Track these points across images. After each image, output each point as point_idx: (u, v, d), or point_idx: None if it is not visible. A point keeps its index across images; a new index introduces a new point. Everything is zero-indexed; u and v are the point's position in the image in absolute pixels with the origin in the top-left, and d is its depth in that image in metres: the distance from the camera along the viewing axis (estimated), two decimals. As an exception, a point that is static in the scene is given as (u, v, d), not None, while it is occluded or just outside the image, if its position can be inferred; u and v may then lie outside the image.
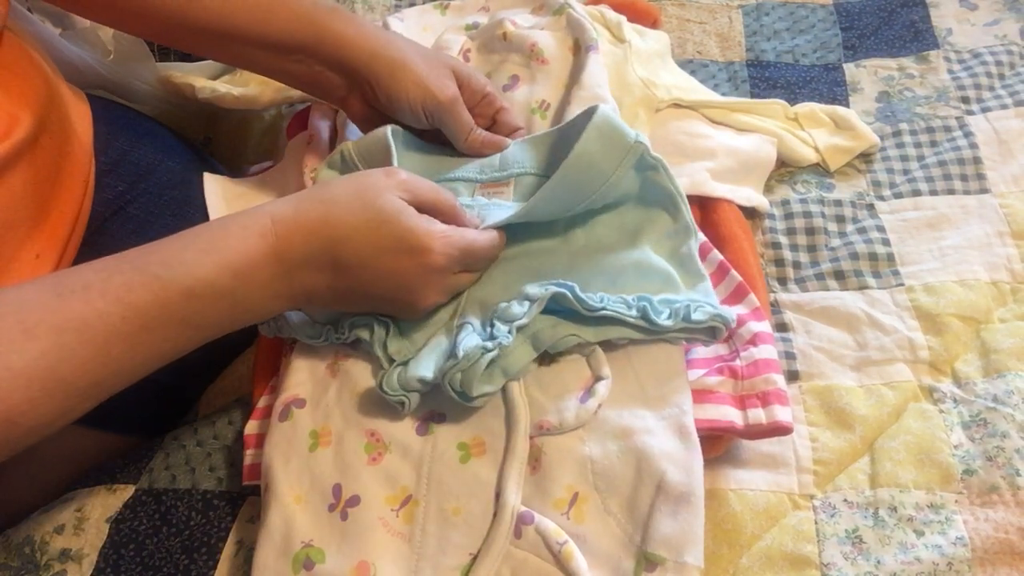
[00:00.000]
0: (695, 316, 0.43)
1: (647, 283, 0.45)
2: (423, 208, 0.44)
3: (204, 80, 0.67)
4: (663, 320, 0.43)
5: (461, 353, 0.41)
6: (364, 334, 0.46)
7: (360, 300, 0.45)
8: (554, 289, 0.42)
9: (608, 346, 0.45)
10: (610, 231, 0.48)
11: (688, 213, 0.48)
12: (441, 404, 0.45)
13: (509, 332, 0.42)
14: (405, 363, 0.44)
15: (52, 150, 0.50)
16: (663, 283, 0.45)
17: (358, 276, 0.43)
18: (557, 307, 0.44)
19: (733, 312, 0.45)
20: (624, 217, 0.48)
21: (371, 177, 0.44)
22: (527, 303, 0.43)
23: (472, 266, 0.46)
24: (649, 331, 0.43)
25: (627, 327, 0.43)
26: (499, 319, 0.43)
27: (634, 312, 0.43)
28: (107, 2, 0.50)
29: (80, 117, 0.56)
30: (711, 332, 0.44)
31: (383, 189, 0.43)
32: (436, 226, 0.43)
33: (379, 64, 0.51)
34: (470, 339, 0.42)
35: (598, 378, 0.44)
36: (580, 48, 0.59)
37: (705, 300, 0.44)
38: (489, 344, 0.41)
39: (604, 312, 0.42)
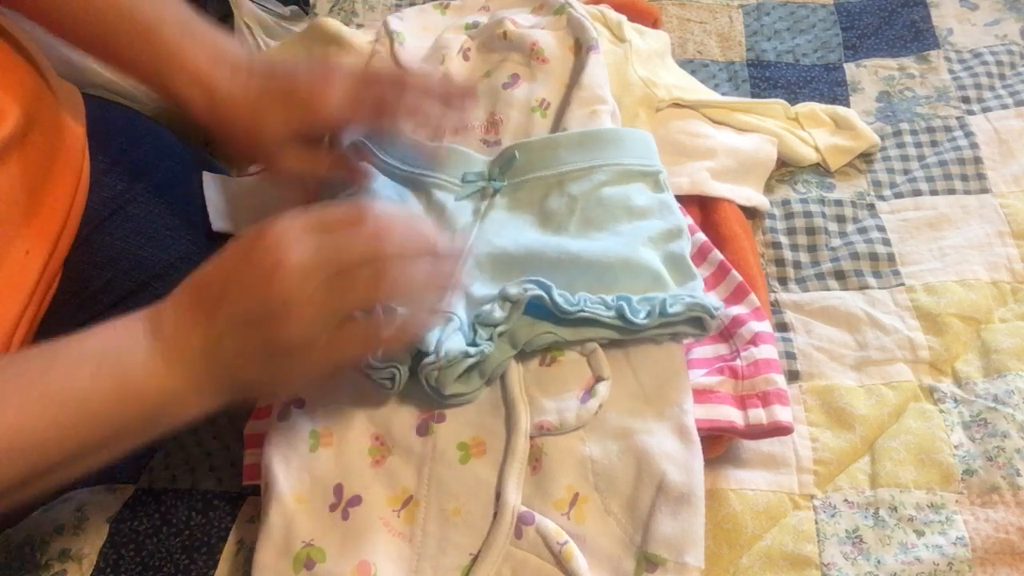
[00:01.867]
0: (671, 309, 0.43)
1: (635, 281, 0.45)
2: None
3: (204, 79, 0.67)
4: (640, 319, 0.42)
5: (443, 352, 0.41)
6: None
7: (232, 347, 0.37)
8: (532, 291, 0.42)
9: (608, 346, 0.45)
10: (600, 231, 0.48)
11: (680, 216, 0.48)
12: (442, 403, 0.45)
13: (490, 339, 0.42)
14: None
15: (43, 146, 0.50)
16: (652, 281, 0.45)
17: (219, 309, 0.36)
18: (537, 303, 0.43)
19: (718, 300, 0.45)
20: (616, 218, 0.48)
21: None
22: (508, 305, 0.42)
23: (347, 262, 0.36)
24: (627, 331, 0.43)
25: (605, 327, 0.43)
26: (481, 324, 0.42)
27: (612, 312, 0.43)
28: None
29: (74, 113, 0.55)
30: (699, 325, 0.44)
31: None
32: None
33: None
34: (454, 340, 0.42)
35: (598, 378, 0.44)
36: (581, 48, 0.59)
37: (686, 293, 0.44)
38: (471, 351, 0.41)
39: (580, 314, 0.42)
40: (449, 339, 0.42)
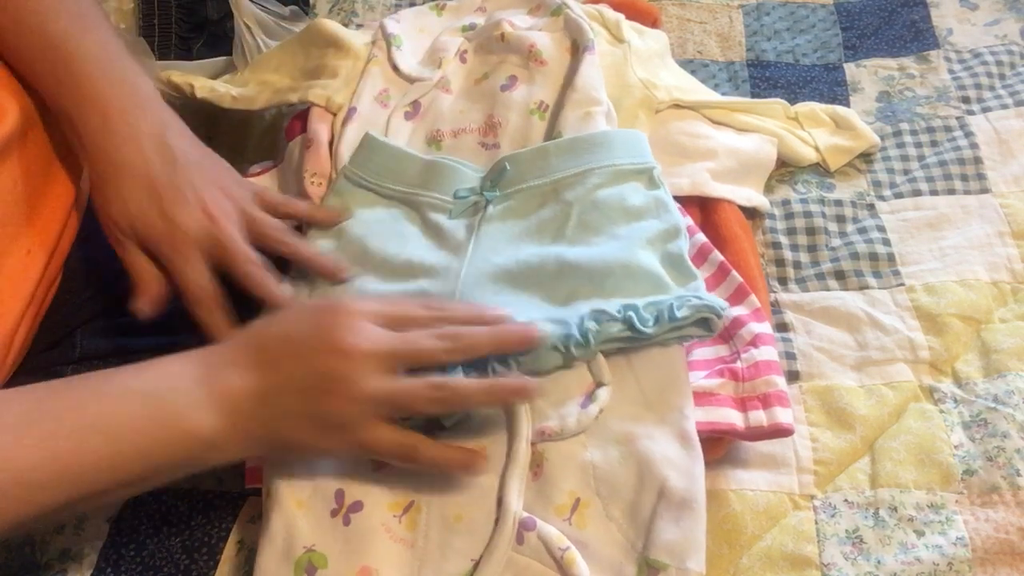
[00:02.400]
0: (679, 314, 0.42)
1: (635, 285, 0.45)
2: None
3: (203, 79, 0.67)
4: (649, 327, 0.42)
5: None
6: None
7: (284, 405, 0.39)
8: (553, 342, 0.42)
9: (609, 351, 0.44)
10: (598, 235, 0.47)
11: (676, 214, 0.48)
12: None
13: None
14: None
15: (44, 143, 0.50)
16: (652, 285, 0.45)
17: (280, 367, 0.38)
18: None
19: (723, 301, 0.45)
20: (613, 220, 0.48)
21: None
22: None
23: (398, 315, 0.40)
24: (636, 339, 0.43)
25: (614, 341, 0.43)
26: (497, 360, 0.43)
27: (619, 326, 0.43)
28: None
29: None
30: (706, 325, 0.44)
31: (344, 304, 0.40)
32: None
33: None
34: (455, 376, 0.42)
35: (599, 383, 0.44)
36: (578, 49, 0.59)
37: (692, 294, 0.44)
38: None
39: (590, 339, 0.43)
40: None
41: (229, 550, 0.47)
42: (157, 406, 0.38)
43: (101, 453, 0.37)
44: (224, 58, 0.71)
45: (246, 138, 0.73)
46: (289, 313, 0.42)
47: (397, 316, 0.40)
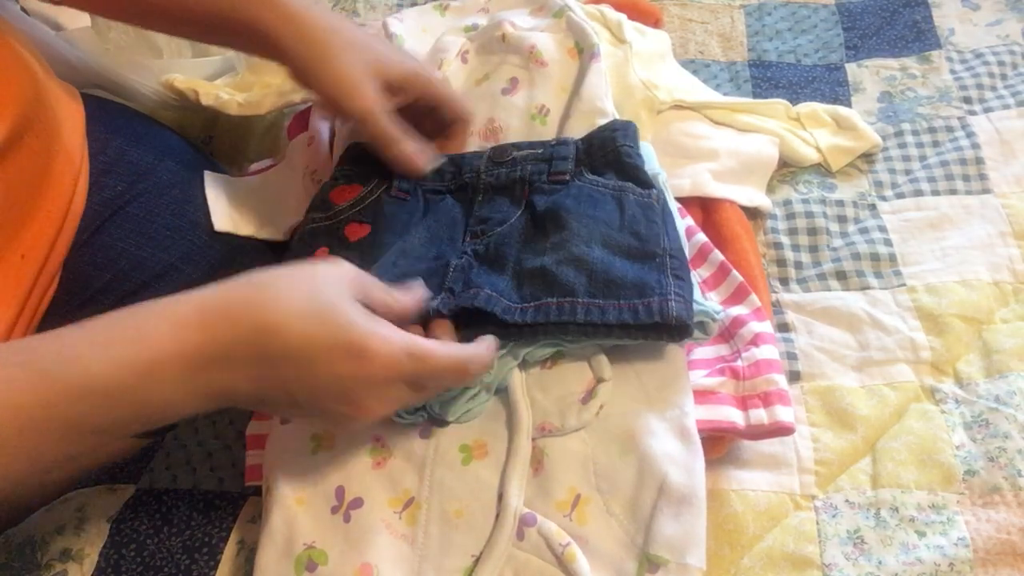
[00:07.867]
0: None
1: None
2: (374, 309, 0.39)
3: (208, 86, 0.67)
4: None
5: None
6: None
7: (285, 402, 0.38)
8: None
9: (609, 348, 0.44)
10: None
11: (676, 222, 0.48)
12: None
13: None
14: None
15: (39, 149, 0.50)
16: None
17: (286, 373, 0.36)
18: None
19: (719, 306, 0.45)
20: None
21: (317, 266, 0.39)
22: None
23: (426, 384, 0.39)
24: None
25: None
26: None
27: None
28: None
29: (71, 116, 0.55)
30: (702, 328, 0.44)
31: (330, 280, 0.38)
32: (384, 329, 0.37)
33: (297, 58, 0.50)
34: None
35: (599, 380, 0.44)
36: (581, 52, 0.58)
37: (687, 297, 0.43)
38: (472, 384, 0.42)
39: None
40: None
41: (229, 550, 0.47)
42: (148, 407, 0.36)
43: (86, 447, 0.36)
44: (220, 57, 0.71)
45: (247, 138, 0.73)
46: (286, 305, 0.37)
47: (423, 375, 0.39)
